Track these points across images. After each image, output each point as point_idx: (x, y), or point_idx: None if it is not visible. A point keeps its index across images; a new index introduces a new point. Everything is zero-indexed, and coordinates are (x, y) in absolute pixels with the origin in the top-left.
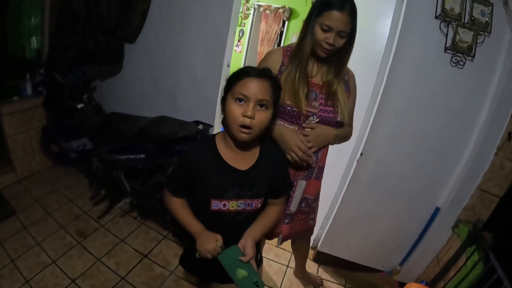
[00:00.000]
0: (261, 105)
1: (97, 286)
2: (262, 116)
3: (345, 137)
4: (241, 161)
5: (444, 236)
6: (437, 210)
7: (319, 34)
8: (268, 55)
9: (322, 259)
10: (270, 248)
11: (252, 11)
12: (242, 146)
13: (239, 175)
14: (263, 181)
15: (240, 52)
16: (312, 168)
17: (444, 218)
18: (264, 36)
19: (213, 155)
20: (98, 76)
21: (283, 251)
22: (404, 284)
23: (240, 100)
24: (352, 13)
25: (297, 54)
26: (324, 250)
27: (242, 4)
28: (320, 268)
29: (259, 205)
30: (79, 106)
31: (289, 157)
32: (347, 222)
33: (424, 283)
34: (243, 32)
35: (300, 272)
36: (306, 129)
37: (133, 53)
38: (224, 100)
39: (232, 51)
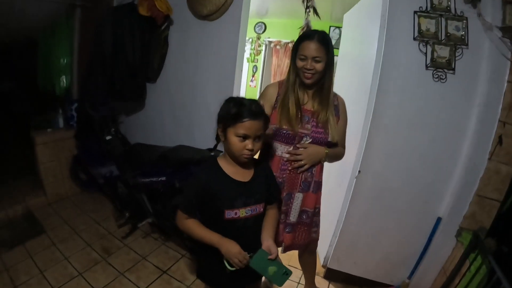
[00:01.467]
0: (257, 138)
1: None
2: (258, 145)
3: (336, 156)
4: (242, 175)
5: (449, 246)
6: (438, 220)
7: (299, 63)
8: (265, 89)
9: (332, 276)
10: None
11: (263, 47)
12: (242, 164)
13: (243, 186)
14: (262, 188)
15: (255, 87)
16: (308, 182)
17: (446, 227)
18: (276, 70)
19: (219, 173)
20: (124, 112)
21: (294, 269)
22: None
23: (241, 136)
24: (322, 41)
25: (287, 84)
26: (333, 267)
27: (254, 41)
28: (330, 285)
29: (262, 209)
30: (107, 137)
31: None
32: (352, 238)
33: None
34: (257, 67)
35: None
36: (299, 148)
37: (155, 92)
38: (223, 130)
39: (240, 88)
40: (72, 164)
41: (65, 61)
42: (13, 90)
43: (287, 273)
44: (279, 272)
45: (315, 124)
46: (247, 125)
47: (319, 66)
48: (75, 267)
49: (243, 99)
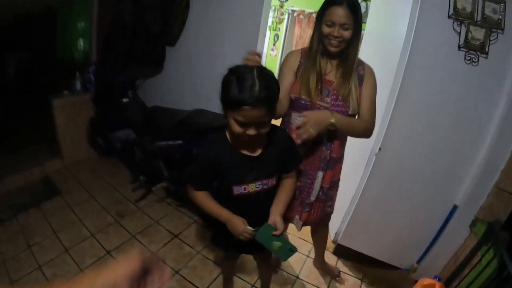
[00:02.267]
0: (260, 125)
1: None
2: (263, 131)
3: (353, 126)
4: (252, 148)
5: (462, 235)
6: (454, 208)
7: (325, 29)
8: (287, 56)
9: (342, 252)
10: (291, 239)
11: (286, 16)
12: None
13: (253, 161)
14: (274, 161)
15: (275, 55)
16: (327, 160)
17: (462, 216)
18: (298, 40)
19: (227, 148)
20: (143, 76)
21: (304, 242)
22: None
23: (241, 123)
24: (351, 7)
25: (309, 52)
26: (344, 243)
27: (276, 10)
28: (339, 261)
29: (274, 182)
30: (124, 100)
31: None
32: (366, 217)
33: (438, 278)
34: (278, 36)
35: (319, 262)
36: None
37: (174, 56)
38: (224, 107)
39: (262, 57)
40: (89, 128)
41: (84, 25)
42: (32, 58)
43: (292, 250)
44: (284, 248)
45: (335, 97)
46: (246, 114)
47: (347, 34)
48: (88, 229)
49: (247, 75)
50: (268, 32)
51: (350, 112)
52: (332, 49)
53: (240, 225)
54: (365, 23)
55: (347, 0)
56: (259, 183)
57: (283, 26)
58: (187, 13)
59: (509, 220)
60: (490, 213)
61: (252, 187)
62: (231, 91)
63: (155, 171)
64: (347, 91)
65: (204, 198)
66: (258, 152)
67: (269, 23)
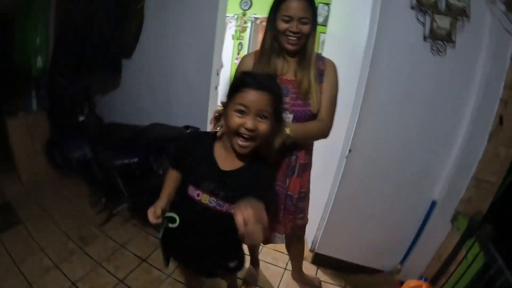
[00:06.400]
0: (261, 116)
1: None
2: (262, 127)
3: (309, 132)
4: (228, 162)
5: (444, 231)
6: (433, 204)
7: (282, 25)
8: (242, 59)
9: (321, 261)
10: (268, 252)
11: (249, 24)
12: (237, 153)
13: (218, 173)
14: (239, 190)
15: None
16: (293, 166)
17: (442, 211)
18: None
19: (206, 147)
20: (97, 87)
21: (281, 255)
22: None
23: (241, 112)
24: (310, 0)
25: (261, 52)
26: (322, 252)
27: (239, 18)
28: (319, 270)
29: (229, 211)
30: (81, 118)
31: None
32: (341, 222)
33: (424, 279)
34: (242, 45)
35: (297, 274)
36: None
37: (131, 67)
38: (225, 109)
39: (220, 61)
40: (47, 148)
41: (41, 40)
42: None
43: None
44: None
45: (294, 96)
46: (247, 95)
47: (306, 29)
48: (51, 259)
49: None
50: (232, 41)
51: (311, 111)
52: (290, 46)
53: (150, 212)
54: (325, 26)
55: None
56: (213, 199)
57: (246, 35)
58: (141, 18)
59: (491, 211)
60: (470, 205)
61: (205, 198)
62: (238, 78)
63: (115, 190)
64: (307, 88)
65: (169, 176)
66: (230, 168)
67: (233, 32)
